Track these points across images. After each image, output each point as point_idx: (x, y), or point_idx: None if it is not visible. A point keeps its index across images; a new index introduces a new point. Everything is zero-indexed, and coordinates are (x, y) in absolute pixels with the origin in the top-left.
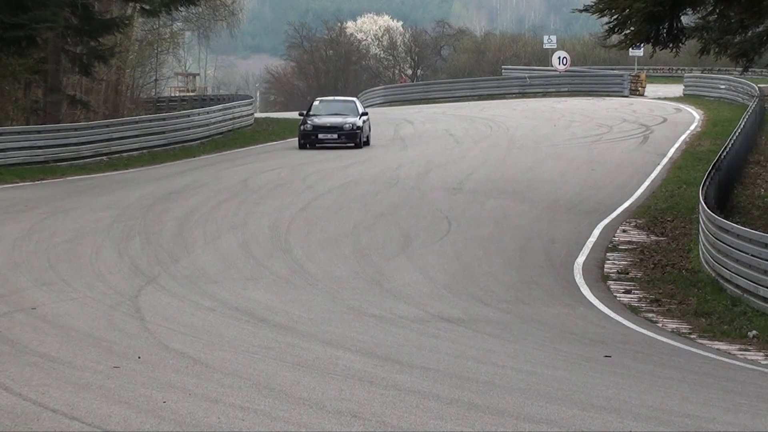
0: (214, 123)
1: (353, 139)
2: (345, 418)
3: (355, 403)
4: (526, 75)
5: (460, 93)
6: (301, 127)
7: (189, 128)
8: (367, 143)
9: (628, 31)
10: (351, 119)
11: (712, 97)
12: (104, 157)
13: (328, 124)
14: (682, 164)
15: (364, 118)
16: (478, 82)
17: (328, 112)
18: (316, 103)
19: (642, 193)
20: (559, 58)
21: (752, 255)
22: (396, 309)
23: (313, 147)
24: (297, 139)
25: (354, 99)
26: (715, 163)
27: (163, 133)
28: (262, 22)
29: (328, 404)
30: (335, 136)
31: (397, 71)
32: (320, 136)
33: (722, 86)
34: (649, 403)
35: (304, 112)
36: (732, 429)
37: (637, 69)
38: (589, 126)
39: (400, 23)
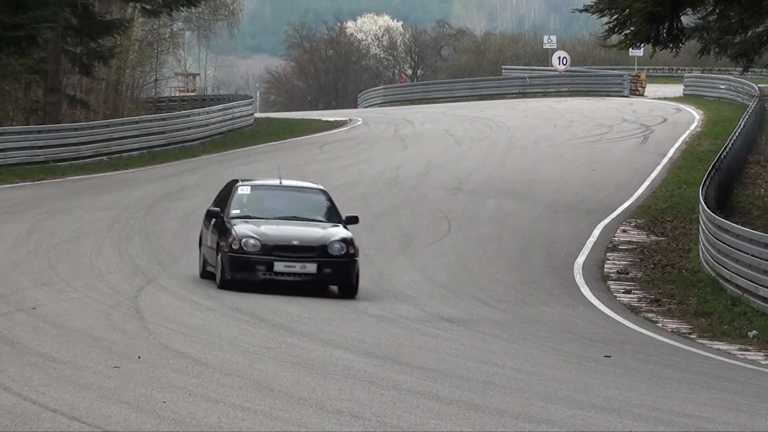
0: (214, 123)
1: (345, 274)
2: (345, 418)
3: (355, 403)
4: (526, 75)
5: (460, 93)
6: (227, 242)
7: (189, 128)
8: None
9: (628, 31)
10: (335, 230)
11: (712, 97)
12: (104, 157)
13: (296, 243)
14: (682, 164)
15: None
16: (478, 82)
17: (275, 212)
18: (243, 191)
19: (642, 193)
20: (559, 58)
21: (752, 255)
22: (396, 309)
23: (252, 288)
24: (200, 265)
25: (319, 186)
26: (715, 163)
27: (163, 133)
28: (262, 22)
29: (328, 404)
30: (312, 267)
31: (397, 71)
32: (280, 266)
33: (722, 86)
34: (649, 403)
35: (217, 211)
36: (732, 429)
37: (637, 69)
38: (589, 126)
39: (400, 23)
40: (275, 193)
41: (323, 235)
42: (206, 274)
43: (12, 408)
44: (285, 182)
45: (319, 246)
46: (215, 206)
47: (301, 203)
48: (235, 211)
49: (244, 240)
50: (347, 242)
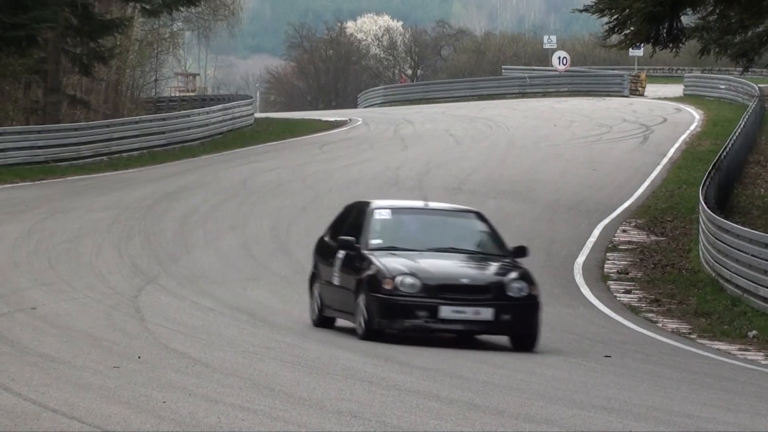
0: (214, 123)
1: (527, 321)
2: (345, 418)
3: (355, 403)
4: (526, 75)
5: (460, 93)
6: (376, 280)
7: (189, 128)
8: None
9: (628, 31)
10: (508, 265)
11: (712, 97)
12: (104, 157)
13: (466, 282)
14: (682, 164)
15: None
16: (478, 82)
17: (426, 242)
18: (382, 215)
19: (642, 193)
20: (559, 58)
21: (752, 255)
22: None
23: (404, 338)
24: (314, 309)
25: (474, 209)
26: (715, 163)
27: (163, 133)
28: (262, 22)
29: (328, 404)
30: (487, 313)
31: (397, 71)
32: (447, 311)
33: (722, 86)
34: (649, 403)
35: (350, 241)
36: (732, 429)
37: (637, 69)
38: (589, 126)
39: (400, 23)
40: (422, 219)
41: (497, 272)
42: (324, 321)
43: (12, 408)
44: (432, 205)
45: (495, 285)
46: (341, 234)
47: (456, 231)
48: (375, 241)
49: (399, 278)
50: (528, 280)
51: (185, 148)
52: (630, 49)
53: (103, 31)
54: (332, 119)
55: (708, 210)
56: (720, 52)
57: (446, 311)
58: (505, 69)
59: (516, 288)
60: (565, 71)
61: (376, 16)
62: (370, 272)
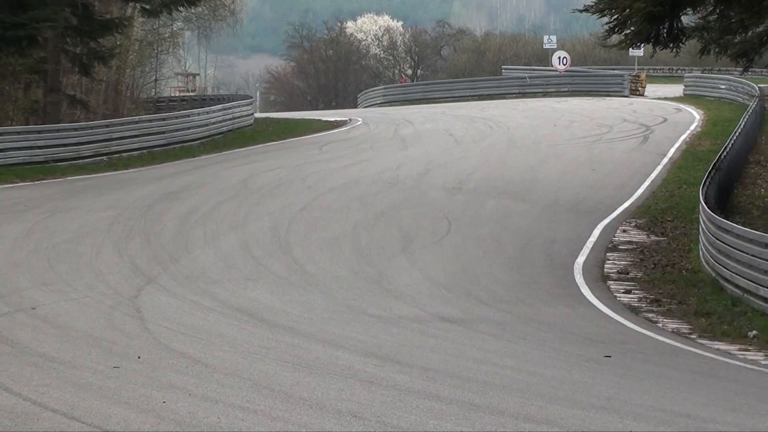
0: (214, 123)
1: None
2: (345, 418)
3: (355, 403)
4: (526, 75)
5: (460, 93)
6: None
7: (189, 128)
8: None
9: (628, 31)
10: None
11: (712, 97)
12: (104, 157)
13: None
14: (682, 164)
15: None
16: (478, 82)
17: None
18: None
19: (642, 193)
20: (559, 58)
21: (752, 255)
22: (396, 309)
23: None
24: None
25: None
26: (715, 163)
27: (163, 133)
28: (262, 22)
29: (328, 404)
30: None
31: (397, 71)
32: None
33: (722, 86)
34: (649, 403)
35: None
36: (732, 429)
37: (637, 69)
38: (589, 126)
39: (400, 23)
40: None
41: None
42: None
43: (12, 408)
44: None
45: None
46: None
47: None
48: None
49: None
50: None
51: (185, 148)
52: (630, 49)
53: (103, 31)
54: (332, 119)
55: (708, 210)
56: (720, 52)
57: None
58: (505, 69)
59: None
60: (565, 71)
61: (376, 16)
62: None
